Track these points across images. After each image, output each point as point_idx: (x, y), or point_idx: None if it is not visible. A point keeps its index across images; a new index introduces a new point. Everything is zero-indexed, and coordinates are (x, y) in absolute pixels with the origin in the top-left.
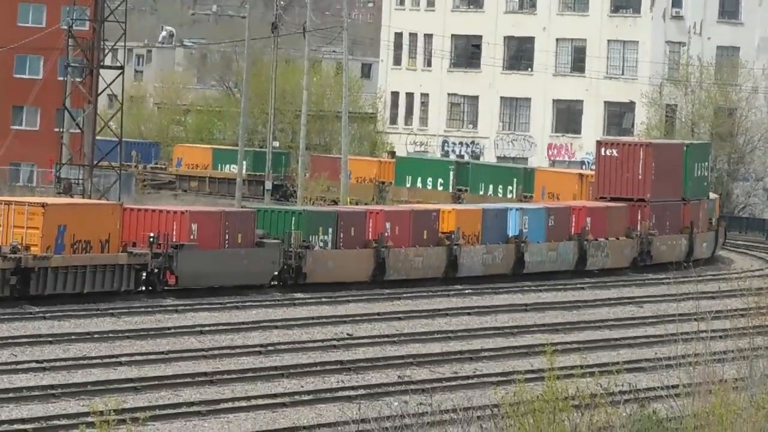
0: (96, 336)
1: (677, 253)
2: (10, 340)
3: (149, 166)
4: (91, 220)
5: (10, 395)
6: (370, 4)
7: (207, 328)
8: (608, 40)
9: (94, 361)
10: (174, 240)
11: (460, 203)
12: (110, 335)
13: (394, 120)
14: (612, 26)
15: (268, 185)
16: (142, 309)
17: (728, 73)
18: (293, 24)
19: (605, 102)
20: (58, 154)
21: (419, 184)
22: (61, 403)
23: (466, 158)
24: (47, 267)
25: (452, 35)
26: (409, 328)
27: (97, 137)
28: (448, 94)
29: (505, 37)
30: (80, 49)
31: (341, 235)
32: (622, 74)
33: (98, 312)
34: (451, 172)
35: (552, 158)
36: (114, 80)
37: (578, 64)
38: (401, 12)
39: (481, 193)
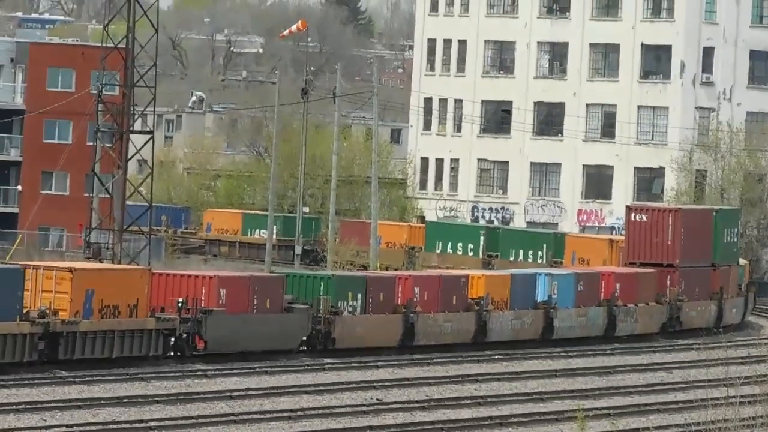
0: (125, 401)
1: (706, 318)
2: (39, 405)
3: (179, 231)
4: (119, 285)
5: None
6: (400, 70)
7: (236, 393)
8: (638, 106)
9: (124, 426)
10: (203, 305)
11: (490, 269)
12: (140, 400)
13: (423, 185)
14: (642, 92)
15: (298, 250)
16: (171, 374)
17: (758, 138)
18: (323, 89)
19: (635, 168)
20: (87, 219)
21: (449, 250)
22: None
23: (496, 224)
24: (76, 332)
25: (482, 101)
26: (439, 394)
27: (127, 202)
28: (478, 160)
29: (535, 103)
30: (110, 114)
31: (370, 301)
32: (652, 140)
33: (127, 377)
34: (482, 238)
35: (582, 224)
36: (144, 145)
37: (608, 129)
38: (431, 77)
39: (512, 258)
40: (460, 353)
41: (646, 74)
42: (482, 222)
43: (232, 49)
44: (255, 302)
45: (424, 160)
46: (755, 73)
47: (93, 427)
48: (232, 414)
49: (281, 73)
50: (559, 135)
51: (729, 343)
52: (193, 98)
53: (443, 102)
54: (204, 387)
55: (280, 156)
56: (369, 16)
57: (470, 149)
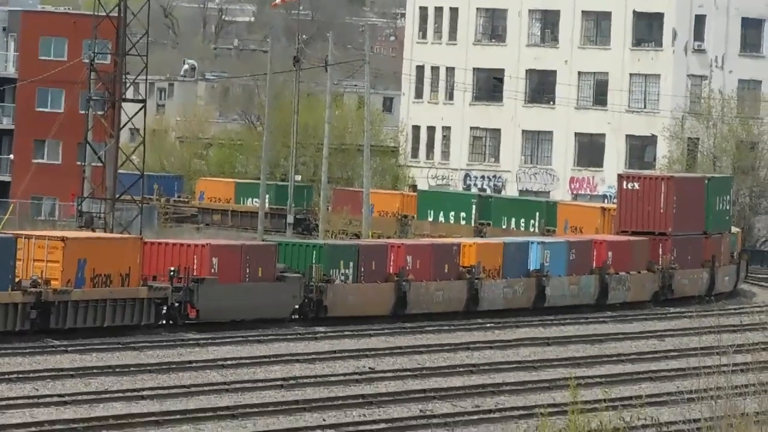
0: (117, 370)
1: (699, 286)
2: (31, 374)
3: (171, 200)
4: (111, 254)
5: (32, 429)
6: (392, 38)
7: (228, 362)
8: (630, 74)
9: (116, 395)
10: (195, 274)
11: (482, 237)
12: (132, 369)
13: (415, 154)
14: (634, 60)
15: (290, 219)
16: (164, 343)
17: (750, 106)
18: (315, 58)
19: (627, 135)
20: (79, 188)
21: (441, 218)
22: None
23: (488, 192)
24: (67, 301)
25: (474, 68)
26: (431, 362)
27: (120, 171)
28: (470, 128)
29: (527, 71)
30: (102, 82)
31: (362, 269)
32: (644, 108)
33: (120, 346)
34: (474, 206)
35: (574, 192)
36: (136, 114)
37: (600, 97)
38: (423, 45)
39: (504, 226)
40: (452, 322)
41: (638, 42)
42: (474, 190)
43: (223, 17)
44: (247, 271)
45: (416, 129)
46: (747, 40)
47: (85, 397)
48: (225, 383)
49: (273, 41)
50: (551, 103)
51: (721, 311)
52: (185, 67)
53: (435, 70)
54: (196, 356)
55: (272, 124)
56: None
57: (462, 117)
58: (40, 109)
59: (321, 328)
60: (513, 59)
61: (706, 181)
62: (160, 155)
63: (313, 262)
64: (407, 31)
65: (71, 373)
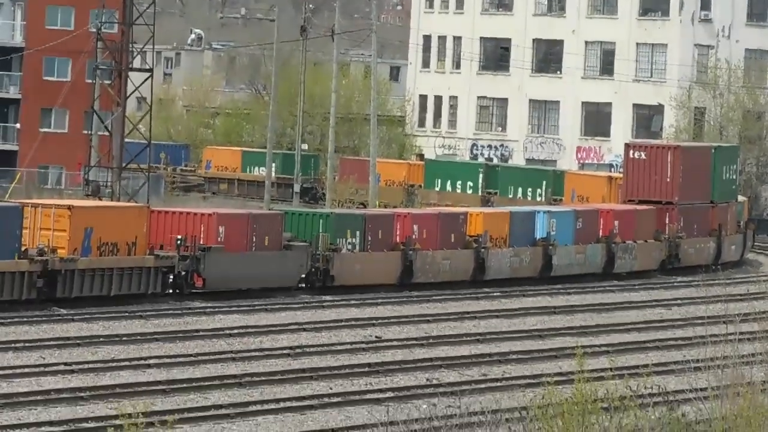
0: (124, 338)
1: (705, 255)
2: (38, 343)
3: (178, 169)
4: (117, 223)
5: (39, 398)
6: (399, 7)
7: (235, 331)
8: (637, 43)
9: (123, 364)
10: (201, 243)
11: (489, 206)
12: (138, 338)
13: (422, 123)
14: (641, 29)
15: (297, 188)
16: (170, 312)
17: (757, 76)
18: (322, 27)
19: (634, 105)
20: (86, 157)
21: (448, 187)
22: (90, 406)
23: (495, 161)
24: (74, 269)
25: (481, 38)
26: (438, 331)
27: (126, 140)
28: (477, 97)
29: (534, 40)
30: (109, 51)
31: (369, 238)
32: (651, 77)
33: (126, 314)
34: (481, 175)
35: (581, 161)
36: (143, 83)
37: (607, 66)
38: (430, 15)
39: (511, 196)
40: (458, 291)
41: (644, 11)
42: (481, 159)
43: None
44: (254, 240)
45: (423, 98)
46: (754, 10)
47: (92, 365)
48: (231, 352)
49: (280, 10)
50: (558, 72)
51: (728, 280)
52: (192, 36)
53: (442, 39)
54: (203, 325)
55: (278, 94)
56: None
57: (469, 87)
58: (47, 78)
59: (327, 297)
60: (520, 29)
61: (713, 151)
62: (167, 124)
63: (320, 231)
64: (414, 1)
65: (78, 341)
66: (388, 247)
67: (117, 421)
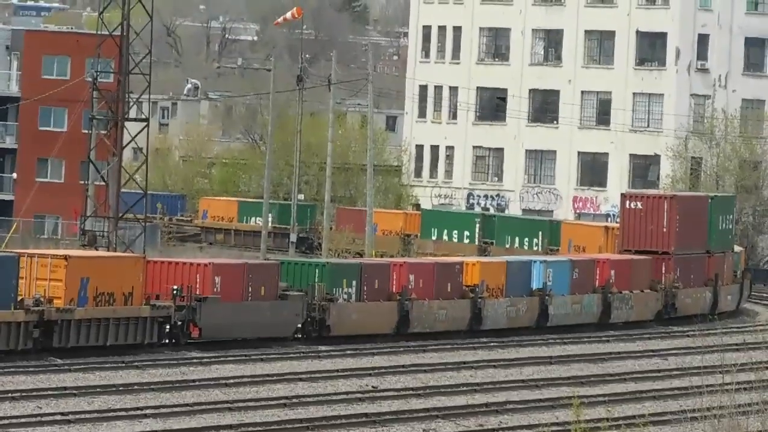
0: (120, 388)
1: (702, 305)
2: (34, 393)
3: (175, 219)
4: (114, 273)
5: None
6: (395, 57)
7: (231, 381)
8: (633, 93)
9: (119, 414)
10: (197, 293)
11: (486, 256)
12: (135, 387)
13: (419, 173)
14: (637, 79)
15: (293, 238)
16: (167, 361)
17: (753, 125)
18: (318, 77)
19: (630, 155)
20: (82, 207)
21: (445, 237)
22: None
23: (492, 211)
24: (70, 320)
25: (477, 88)
26: (435, 381)
27: (123, 189)
28: (473, 147)
29: (530, 90)
30: (105, 101)
31: (365, 288)
32: (648, 127)
33: (123, 365)
34: (477, 225)
35: (577, 211)
36: (139, 133)
37: (603, 116)
38: (426, 65)
39: (507, 245)
40: (455, 340)
41: (641, 61)
42: (477, 209)
43: (227, 36)
44: (250, 290)
45: (419, 148)
46: (750, 59)
47: (89, 415)
48: (228, 401)
49: (276, 60)
50: (555, 122)
51: (724, 330)
52: (188, 86)
53: (438, 89)
54: (199, 374)
55: (275, 143)
56: (364, 2)
57: (465, 136)
58: (43, 128)
59: (324, 347)
60: (516, 78)
61: (709, 200)
62: (163, 174)
63: (316, 280)
64: (410, 50)
65: (74, 391)
66: (384, 297)
67: None
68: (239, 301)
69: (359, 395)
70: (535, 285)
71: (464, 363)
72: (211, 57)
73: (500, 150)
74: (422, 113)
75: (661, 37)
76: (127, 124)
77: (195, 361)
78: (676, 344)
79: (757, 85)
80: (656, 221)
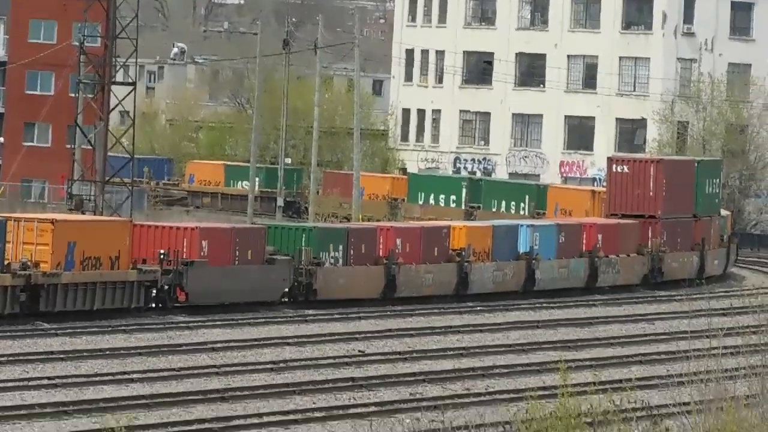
0: (107, 353)
1: (688, 269)
2: (21, 357)
3: (161, 183)
4: (100, 237)
5: (22, 412)
6: (382, 21)
7: (218, 345)
8: (620, 57)
9: (106, 378)
10: (184, 257)
11: (472, 220)
12: (121, 352)
13: (405, 137)
14: (624, 43)
15: (280, 202)
16: (153, 326)
17: (740, 89)
18: (305, 41)
19: (617, 119)
20: (69, 171)
21: (432, 201)
22: (73, 420)
23: (478, 175)
24: (57, 284)
25: (464, 52)
26: (421, 345)
27: (109, 154)
28: (460, 111)
29: (516, 54)
30: (92, 65)
31: (352, 252)
32: (634, 91)
33: (109, 329)
34: (464, 189)
35: (564, 175)
36: (126, 97)
37: (590, 80)
38: (413, 28)
39: (494, 209)
40: (442, 305)
41: (627, 25)
42: (464, 173)
43: (213, 0)
44: (237, 254)
45: (406, 112)
46: (737, 23)
47: (75, 379)
48: (215, 366)
49: (263, 24)
50: (541, 86)
51: (711, 294)
52: (175, 50)
53: (425, 53)
54: (186, 339)
55: (262, 108)
56: None
57: (452, 100)
58: (30, 92)
59: (311, 311)
60: (503, 42)
61: (696, 164)
62: (150, 138)
63: (303, 245)
64: (397, 14)
65: (61, 356)
66: (371, 261)
67: None
68: (226, 265)
69: (346, 359)
70: (521, 249)
71: (451, 327)
72: (197, 21)
73: (487, 114)
74: (409, 77)
75: (648, 1)
76: (113, 88)
77: (182, 325)
78: (663, 308)
79: (743, 48)
80: (643, 185)
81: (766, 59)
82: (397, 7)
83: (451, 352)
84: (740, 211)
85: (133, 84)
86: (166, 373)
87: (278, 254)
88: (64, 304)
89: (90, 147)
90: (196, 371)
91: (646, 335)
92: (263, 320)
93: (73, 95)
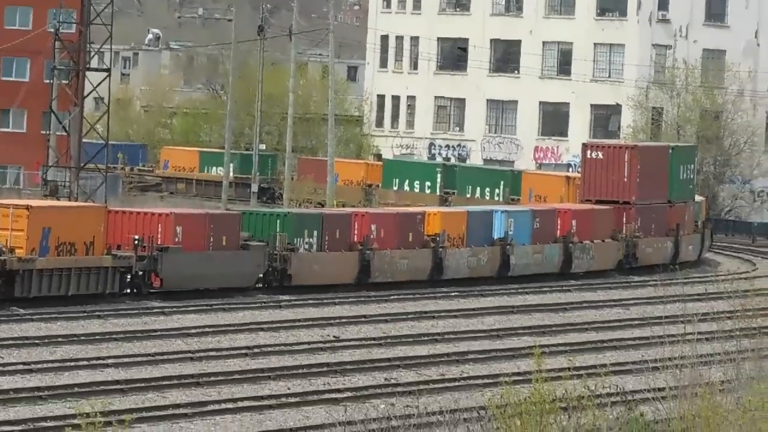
0: (82, 338)
1: (663, 255)
2: None
3: (136, 169)
4: (75, 223)
5: None
6: (357, 7)
7: (193, 331)
8: (594, 43)
9: (81, 363)
10: (159, 242)
11: (447, 206)
12: (96, 337)
13: (380, 123)
14: (598, 29)
15: (255, 188)
16: (129, 311)
17: (714, 75)
18: (280, 27)
19: (591, 105)
20: (44, 157)
21: (406, 187)
22: (48, 405)
23: (453, 161)
24: (32, 269)
25: (439, 38)
26: (396, 331)
27: (84, 140)
28: (435, 97)
29: (491, 40)
30: (67, 51)
31: (326, 238)
32: (609, 77)
33: (84, 314)
34: (439, 175)
35: (539, 161)
36: (100, 83)
37: (565, 67)
38: (387, 15)
39: (469, 195)
40: (416, 290)
41: (602, 11)
42: (439, 159)
43: None
44: (211, 240)
45: (381, 98)
46: (712, 10)
47: (50, 365)
48: (189, 351)
49: (237, 10)
50: (516, 72)
51: (686, 280)
52: (150, 36)
53: (399, 39)
54: (160, 324)
55: (236, 94)
56: None
57: (427, 87)
58: (5, 78)
59: (285, 297)
60: (478, 29)
61: (670, 150)
62: (125, 124)
63: (278, 230)
64: (371, 1)
65: (36, 341)
66: (345, 247)
67: (75, 421)
68: (201, 251)
69: (321, 345)
70: (496, 235)
71: (425, 313)
72: (172, 7)
73: (462, 100)
74: (384, 63)
75: None
76: (88, 74)
77: (156, 311)
78: (638, 294)
79: (718, 35)
80: (617, 171)
81: (741, 46)
82: None
83: (426, 338)
84: (714, 197)
85: (108, 70)
86: (140, 359)
87: (253, 240)
88: (39, 289)
89: (65, 133)
90: (170, 356)
91: (620, 321)
92: (238, 306)
93: (48, 81)
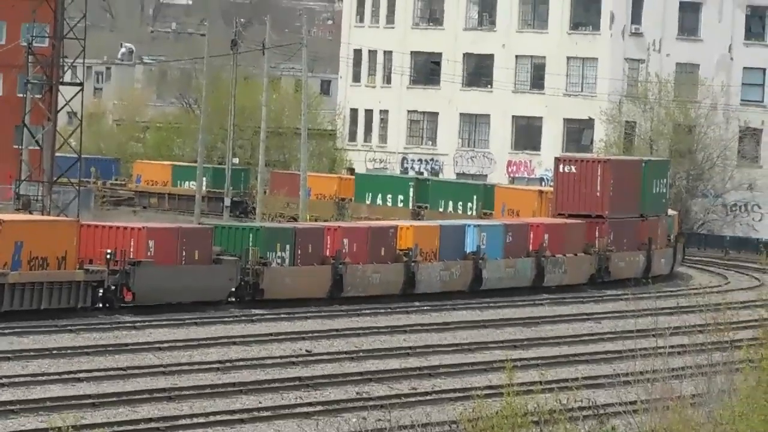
0: (54, 352)
1: (635, 269)
2: None
3: (108, 183)
4: (48, 237)
5: None
6: (330, 21)
7: (165, 345)
8: (567, 57)
9: (53, 378)
10: (131, 257)
11: (420, 220)
12: (68, 351)
13: (353, 137)
14: (571, 43)
15: (227, 202)
16: (100, 325)
17: (687, 89)
18: (253, 41)
19: (564, 119)
20: (17, 171)
21: (379, 201)
22: (20, 420)
23: (426, 175)
24: (4, 284)
25: (412, 52)
26: (368, 345)
27: (57, 154)
28: (408, 111)
29: (464, 54)
30: (40, 65)
31: (299, 252)
32: (582, 91)
33: (56, 329)
34: (411, 189)
35: (512, 175)
36: (73, 97)
37: (538, 81)
38: (361, 29)
39: (441, 209)
40: (389, 304)
41: (575, 25)
42: (412, 173)
43: (161, 0)
44: (183, 254)
45: (354, 112)
46: (685, 24)
47: (22, 379)
48: (161, 365)
49: (210, 24)
50: (489, 86)
51: (658, 294)
52: (123, 50)
53: (373, 53)
54: (133, 338)
55: (209, 108)
56: None
57: (400, 101)
58: None
59: (257, 311)
60: (450, 43)
61: (643, 164)
62: (98, 138)
63: (250, 244)
64: (345, 15)
65: (8, 355)
66: (318, 261)
67: None
68: (173, 265)
69: (293, 359)
70: (468, 249)
71: (398, 327)
72: (145, 21)
73: (434, 114)
74: (356, 77)
75: (596, 1)
76: (61, 88)
77: (128, 325)
78: (610, 308)
79: (691, 49)
80: (590, 185)
81: (714, 59)
82: (345, 7)
83: (398, 352)
84: (687, 211)
85: (81, 84)
86: (112, 373)
87: (225, 254)
88: (11, 303)
89: (38, 147)
90: (142, 371)
91: (592, 334)
92: (210, 320)
93: (21, 95)
